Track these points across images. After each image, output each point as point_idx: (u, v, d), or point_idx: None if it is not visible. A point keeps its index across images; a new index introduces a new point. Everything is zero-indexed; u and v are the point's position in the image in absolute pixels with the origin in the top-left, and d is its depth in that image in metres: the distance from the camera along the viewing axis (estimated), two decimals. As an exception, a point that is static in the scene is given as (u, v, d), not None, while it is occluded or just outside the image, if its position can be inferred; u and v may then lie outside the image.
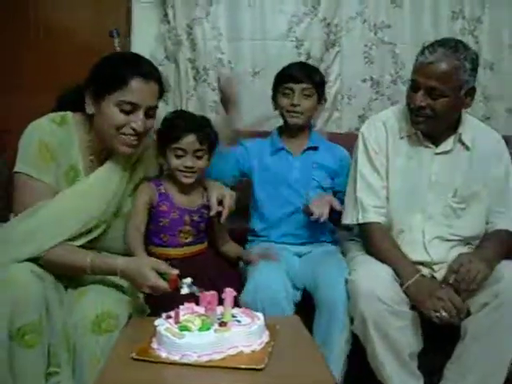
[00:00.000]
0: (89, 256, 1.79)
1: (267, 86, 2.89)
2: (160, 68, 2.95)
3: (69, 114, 1.94)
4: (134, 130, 1.86)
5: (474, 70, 2.02)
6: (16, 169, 1.86)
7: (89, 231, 1.88)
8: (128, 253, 1.97)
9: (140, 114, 1.86)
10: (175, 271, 1.73)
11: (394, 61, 3.15)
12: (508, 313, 1.87)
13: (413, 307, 1.94)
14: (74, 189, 1.89)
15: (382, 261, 2.05)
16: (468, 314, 1.94)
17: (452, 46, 2.00)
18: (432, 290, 1.91)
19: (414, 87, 2.06)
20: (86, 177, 1.93)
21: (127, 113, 1.84)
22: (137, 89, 1.83)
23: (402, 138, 2.18)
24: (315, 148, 2.42)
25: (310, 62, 3.05)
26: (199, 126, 2.06)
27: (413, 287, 1.94)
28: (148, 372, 1.41)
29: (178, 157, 2.04)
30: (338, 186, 2.40)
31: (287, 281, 2.08)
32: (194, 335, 1.45)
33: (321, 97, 2.41)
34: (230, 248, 2.26)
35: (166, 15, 3.04)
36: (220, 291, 1.59)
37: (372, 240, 2.14)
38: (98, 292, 1.80)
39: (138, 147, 1.95)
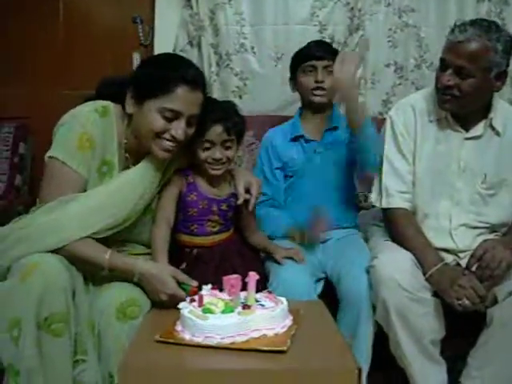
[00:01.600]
0: (108, 253, 1.78)
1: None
2: (182, 53, 3.02)
3: (111, 104, 1.90)
4: (173, 137, 1.83)
5: (507, 52, 1.97)
6: (50, 153, 1.82)
7: (114, 227, 1.85)
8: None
9: (182, 122, 1.82)
10: (195, 283, 1.75)
11: (419, 45, 3.11)
12: (535, 301, 1.84)
13: (435, 294, 1.93)
14: (105, 186, 1.86)
15: (406, 247, 2.03)
16: (495, 301, 1.92)
17: (484, 26, 1.96)
18: (454, 278, 1.89)
19: (442, 66, 2.03)
20: (119, 175, 1.90)
21: (169, 120, 1.81)
22: (182, 97, 1.80)
23: (431, 121, 2.15)
24: (335, 128, 2.38)
25: (334, 46, 3.03)
26: (226, 114, 1.99)
27: (436, 276, 1.93)
28: (171, 354, 1.43)
29: (206, 149, 1.98)
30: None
31: (311, 283, 2.07)
32: (217, 317, 1.47)
33: None
34: (257, 240, 2.21)
35: (188, 0, 3.03)
36: (242, 279, 1.59)
37: (396, 226, 2.12)
38: (122, 282, 1.81)
39: (175, 153, 1.91)
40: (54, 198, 1.78)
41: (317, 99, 2.33)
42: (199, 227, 2.06)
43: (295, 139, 2.38)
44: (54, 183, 1.82)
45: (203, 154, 1.98)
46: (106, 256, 1.77)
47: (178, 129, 1.82)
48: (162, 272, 1.77)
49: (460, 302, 1.85)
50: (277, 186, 2.37)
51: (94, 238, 1.79)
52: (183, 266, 2.02)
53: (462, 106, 2.04)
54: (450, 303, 1.88)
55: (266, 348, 1.42)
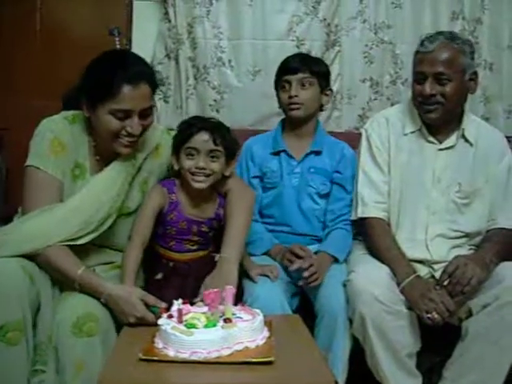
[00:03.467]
0: (81, 269, 1.78)
1: (267, 86, 2.91)
2: (160, 67, 3.04)
3: (81, 113, 1.93)
4: (129, 133, 1.85)
5: (472, 54, 2.10)
6: (27, 163, 1.87)
7: (92, 231, 1.87)
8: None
9: (135, 118, 1.84)
10: (164, 304, 1.73)
11: (394, 61, 3.16)
12: (509, 314, 1.86)
13: (410, 307, 1.94)
14: (79, 192, 1.89)
15: (380, 258, 2.06)
16: (470, 314, 1.95)
17: (448, 34, 2.10)
18: (425, 291, 1.91)
19: (420, 79, 2.09)
20: (91, 178, 1.93)
21: (122, 119, 1.83)
22: (127, 96, 1.81)
23: (405, 134, 2.19)
24: (318, 152, 2.33)
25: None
26: (214, 125, 1.98)
27: (407, 288, 1.95)
28: (156, 371, 1.41)
29: (190, 157, 1.95)
30: (336, 179, 2.31)
31: (285, 299, 2.02)
32: (202, 332, 1.46)
33: (324, 87, 2.33)
34: None
35: (166, 13, 3.05)
36: None
37: (371, 236, 2.15)
38: (83, 295, 1.78)
39: (137, 145, 1.94)
40: (34, 203, 1.82)
41: (292, 114, 2.29)
42: (177, 244, 2.03)
43: (277, 153, 2.35)
44: (32, 189, 1.86)
45: (188, 163, 1.95)
46: (78, 271, 1.77)
47: (133, 125, 1.84)
48: (131, 295, 1.76)
49: (429, 315, 1.87)
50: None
51: (73, 248, 1.81)
52: (159, 276, 2.01)
53: (446, 112, 2.10)
54: (420, 316, 1.90)
55: (254, 360, 1.42)
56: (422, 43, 2.09)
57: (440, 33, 2.11)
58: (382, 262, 2.04)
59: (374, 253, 2.11)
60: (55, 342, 1.71)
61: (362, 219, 2.18)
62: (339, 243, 2.23)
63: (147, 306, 1.75)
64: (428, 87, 2.05)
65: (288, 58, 2.37)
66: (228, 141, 1.98)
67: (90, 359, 1.69)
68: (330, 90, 2.40)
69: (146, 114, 1.88)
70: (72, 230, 1.81)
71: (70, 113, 1.96)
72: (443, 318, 1.87)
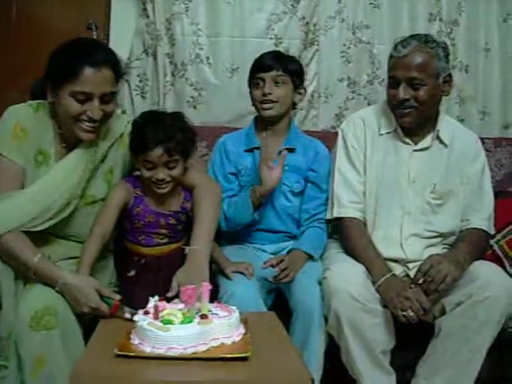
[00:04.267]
0: (37, 257, 1.77)
1: (245, 83, 2.91)
2: (138, 62, 3.01)
3: (46, 102, 1.94)
4: (90, 118, 1.85)
5: (447, 57, 2.11)
6: None
7: (51, 218, 1.87)
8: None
9: (95, 102, 1.84)
10: (118, 297, 1.74)
11: (372, 61, 3.18)
12: (481, 312, 1.89)
13: (385, 305, 1.96)
14: (41, 178, 1.90)
15: (356, 257, 2.07)
16: (443, 312, 1.98)
17: (422, 37, 2.11)
18: (400, 289, 1.93)
19: (393, 83, 2.10)
20: (54, 163, 1.93)
21: (82, 102, 1.83)
22: (88, 78, 1.81)
23: (381, 134, 2.21)
24: (292, 150, 2.31)
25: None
26: (168, 134, 1.90)
27: (383, 286, 1.96)
28: (132, 366, 1.39)
29: (149, 169, 1.93)
30: (310, 178, 2.32)
31: (260, 296, 2.02)
32: (178, 328, 1.45)
33: (297, 85, 2.32)
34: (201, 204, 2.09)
35: (145, 9, 3.03)
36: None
37: (347, 236, 2.16)
38: (43, 287, 1.77)
39: (100, 132, 1.95)
40: None
41: (265, 113, 2.28)
42: (147, 238, 2.03)
43: (250, 150, 2.35)
44: None
45: (147, 173, 1.94)
46: (34, 259, 1.77)
47: (93, 109, 1.84)
48: (86, 284, 1.75)
49: (404, 313, 1.89)
50: (230, 190, 2.31)
51: (39, 241, 1.84)
52: (132, 273, 2.01)
53: (420, 116, 2.11)
54: (395, 314, 1.92)
55: (230, 355, 1.42)
56: (395, 47, 2.10)
57: (413, 36, 2.12)
58: (358, 261, 2.06)
59: (350, 253, 2.12)
60: (14, 337, 1.70)
61: (338, 219, 2.19)
62: (314, 241, 2.25)
63: (101, 296, 1.75)
64: (401, 92, 2.07)
65: (262, 55, 2.37)
66: (183, 144, 1.94)
67: (50, 353, 1.68)
68: (304, 88, 2.39)
69: (108, 99, 1.87)
70: (30, 216, 1.81)
71: (35, 101, 1.96)
72: (418, 316, 1.89)
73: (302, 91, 2.36)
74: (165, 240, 2.05)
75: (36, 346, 1.67)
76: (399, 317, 1.90)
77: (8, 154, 1.86)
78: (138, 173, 2.04)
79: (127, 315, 1.69)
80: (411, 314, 1.89)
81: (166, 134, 1.90)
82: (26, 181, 1.89)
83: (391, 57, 2.12)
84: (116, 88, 1.91)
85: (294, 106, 2.40)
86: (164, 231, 2.03)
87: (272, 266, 2.07)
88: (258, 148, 2.32)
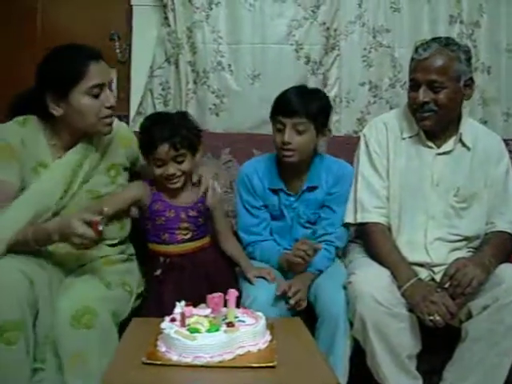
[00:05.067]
0: (30, 229, 1.83)
1: (266, 90, 2.95)
2: (160, 71, 3.06)
3: (32, 116, 1.99)
4: (110, 107, 1.93)
5: (469, 60, 2.09)
6: None
7: (55, 213, 1.94)
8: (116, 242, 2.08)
9: (107, 90, 1.93)
10: (97, 217, 1.75)
11: (393, 64, 3.17)
12: (508, 315, 1.87)
13: (411, 309, 1.95)
14: (35, 182, 1.94)
15: (381, 262, 2.07)
16: (469, 316, 1.96)
17: (443, 40, 2.09)
18: (427, 293, 1.92)
19: (414, 86, 2.10)
20: (52, 163, 1.98)
21: (97, 96, 1.91)
22: (95, 71, 1.89)
23: (403, 138, 2.20)
24: (314, 188, 2.26)
25: (309, 65, 3.10)
26: (172, 132, 2.00)
27: (409, 291, 1.95)
28: (160, 374, 1.42)
29: (159, 166, 2.03)
30: (326, 202, 2.27)
31: (283, 302, 2.03)
32: (204, 336, 1.46)
33: (320, 129, 2.19)
34: (231, 250, 2.23)
35: (166, 18, 3.05)
36: (215, 290, 1.60)
37: (371, 241, 2.16)
38: (82, 289, 1.83)
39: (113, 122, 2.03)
40: None
41: (285, 160, 2.18)
42: (170, 235, 2.08)
43: (274, 190, 2.28)
44: None
45: (158, 171, 2.04)
46: (29, 233, 1.82)
47: (109, 97, 1.94)
48: (69, 219, 1.78)
49: (431, 317, 1.88)
50: (255, 225, 2.29)
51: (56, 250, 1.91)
52: (158, 272, 2.06)
53: (440, 119, 2.10)
54: (421, 318, 1.91)
55: (256, 364, 1.43)
56: (416, 50, 2.10)
57: (434, 39, 2.12)
58: (383, 265, 2.05)
59: (375, 257, 2.12)
60: (54, 336, 1.74)
61: (362, 224, 2.19)
62: (319, 262, 2.18)
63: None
64: (421, 95, 2.06)
65: (285, 94, 2.21)
66: (188, 139, 2.05)
67: (89, 351, 1.73)
68: (329, 130, 2.27)
69: (111, 87, 2.00)
70: (26, 220, 1.85)
71: (22, 117, 1.99)
72: (445, 321, 1.88)
73: (326, 133, 2.24)
74: (188, 235, 2.10)
75: (76, 344, 1.72)
76: (426, 321, 1.89)
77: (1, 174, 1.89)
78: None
79: (101, 228, 1.73)
80: (438, 318, 1.87)
81: (170, 131, 2.01)
82: None
83: (412, 59, 2.12)
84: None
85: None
86: (186, 225, 2.09)
87: (285, 293, 2.02)
88: (281, 189, 2.28)
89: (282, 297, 2.03)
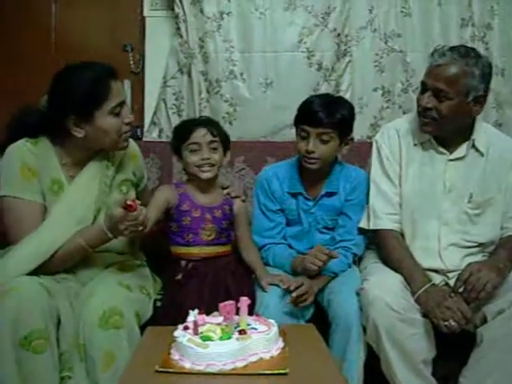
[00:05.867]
0: (77, 236, 1.89)
1: (279, 97, 2.95)
2: (173, 81, 3.09)
3: (43, 136, 1.99)
4: (129, 123, 1.98)
5: (485, 77, 2.02)
6: (1, 193, 1.93)
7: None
8: (125, 250, 2.11)
9: (125, 107, 1.98)
10: (129, 198, 1.78)
11: (405, 69, 3.16)
12: (524, 319, 1.86)
13: (425, 315, 1.95)
14: (60, 203, 1.96)
15: (395, 269, 2.07)
16: (484, 320, 1.95)
17: (462, 51, 2.03)
18: (441, 299, 1.91)
19: (422, 89, 2.09)
20: (69, 185, 2.00)
21: (119, 114, 1.94)
22: (116, 90, 1.93)
23: (415, 144, 2.19)
24: (333, 193, 2.28)
25: (322, 72, 3.10)
26: (208, 120, 2.21)
27: (423, 296, 1.95)
28: (173, 382, 1.43)
29: (194, 152, 2.12)
30: (343, 209, 2.29)
31: (296, 309, 2.04)
32: (217, 344, 1.47)
33: (344, 138, 2.20)
34: (250, 257, 2.25)
35: (178, 29, 3.08)
36: (232, 298, 1.61)
37: (385, 247, 2.16)
38: (105, 292, 1.86)
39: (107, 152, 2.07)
40: (19, 231, 1.89)
41: (307, 166, 2.20)
42: (194, 236, 2.13)
43: (294, 194, 2.30)
44: (13, 219, 1.92)
45: (192, 158, 2.13)
46: (80, 242, 1.88)
47: (128, 113, 1.99)
48: (109, 210, 1.83)
49: (446, 323, 1.87)
50: (270, 229, 2.31)
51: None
52: (179, 276, 2.09)
53: (440, 129, 2.09)
54: (437, 324, 1.90)
55: (269, 372, 1.44)
56: (432, 54, 2.07)
57: (454, 48, 2.05)
58: (396, 271, 2.05)
59: (388, 263, 2.12)
60: (83, 339, 1.78)
61: (375, 231, 2.19)
62: (334, 266, 2.17)
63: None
64: (425, 99, 2.05)
65: (310, 103, 2.19)
66: (222, 132, 2.21)
67: (118, 351, 1.77)
68: (351, 139, 2.26)
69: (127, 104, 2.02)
70: (63, 238, 1.89)
71: (31, 138, 1.98)
72: (460, 326, 1.87)
73: (349, 142, 2.25)
74: (211, 237, 2.15)
75: (106, 343, 1.76)
76: (441, 327, 1.88)
77: (24, 195, 1.91)
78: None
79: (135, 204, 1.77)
80: (453, 323, 1.87)
81: (207, 119, 2.25)
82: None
83: (428, 63, 2.09)
84: None
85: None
86: (210, 225, 2.15)
87: (290, 290, 2.01)
88: (300, 193, 2.30)
89: (295, 303, 2.04)
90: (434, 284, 2.00)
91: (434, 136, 2.15)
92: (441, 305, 1.90)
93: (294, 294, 2.00)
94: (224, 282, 2.09)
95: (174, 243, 2.19)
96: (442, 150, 2.16)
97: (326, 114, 2.13)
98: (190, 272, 2.11)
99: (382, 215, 2.17)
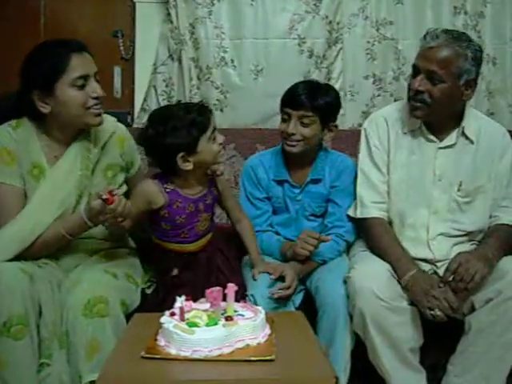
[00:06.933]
0: (57, 223, 1.90)
1: (270, 84, 2.93)
2: (163, 68, 3.06)
3: (24, 118, 2.00)
4: (96, 97, 1.94)
5: (476, 61, 2.02)
6: None
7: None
8: (108, 237, 2.09)
9: (92, 82, 1.94)
10: (105, 191, 1.77)
11: (397, 57, 3.15)
12: (511, 308, 1.87)
13: (412, 303, 1.95)
14: (41, 187, 1.96)
15: (382, 256, 2.06)
16: (472, 309, 1.95)
17: (455, 34, 2.03)
18: (428, 287, 1.91)
19: (414, 72, 2.07)
20: (50, 169, 1.99)
21: (82, 87, 1.91)
22: (78, 63, 1.90)
23: (404, 133, 2.18)
24: (318, 180, 2.28)
25: (313, 59, 3.09)
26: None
27: (410, 283, 1.95)
28: (158, 368, 1.43)
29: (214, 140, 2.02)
30: (330, 196, 2.28)
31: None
32: (203, 330, 1.47)
33: (327, 124, 2.21)
34: (244, 235, 2.20)
35: (168, 15, 3.06)
36: (222, 285, 1.59)
37: (372, 236, 2.15)
38: (91, 280, 1.85)
39: (89, 134, 2.05)
40: (2, 214, 1.90)
41: (287, 149, 2.22)
42: (189, 232, 2.06)
43: (279, 181, 2.31)
44: None
45: (214, 147, 2.00)
46: (61, 230, 1.89)
47: (95, 88, 1.94)
48: (91, 200, 1.83)
49: (432, 312, 1.88)
50: (258, 216, 2.31)
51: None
52: (175, 271, 2.06)
53: (431, 113, 2.07)
54: (423, 313, 1.90)
55: (255, 358, 1.44)
56: (425, 37, 2.05)
57: (446, 30, 2.04)
58: (383, 259, 2.04)
59: (375, 251, 2.11)
60: (66, 327, 1.78)
61: (362, 219, 2.18)
62: (326, 251, 2.18)
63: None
64: (417, 82, 2.02)
65: (295, 87, 2.23)
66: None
67: (103, 339, 1.76)
68: (335, 126, 2.26)
69: (98, 79, 1.97)
70: (48, 220, 1.90)
71: (13, 120, 2.00)
72: (446, 315, 1.88)
73: (332, 128, 2.24)
74: (206, 226, 2.09)
75: (90, 331, 1.75)
76: (427, 316, 1.89)
77: (5, 179, 1.92)
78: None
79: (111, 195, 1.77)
80: (439, 313, 1.87)
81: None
82: (29, 197, 1.95)
83: (420, 45, 2.08)
84: None
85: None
86: (205, 215, 2.08)
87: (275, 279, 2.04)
88: (286, 181, 2.30)
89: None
90: (419, 269, 2.00)
91: (425, 123, 2.14)
92: (428, 293, 1.90)
93: (275, 296, 2.00)
94: (217, 270, 2.09)
95: (165, 240, 2.09)
96: (432, 137, 2.14)
97: (308, 98, 2.15)
98: (184, 265, 2.07)
99: (368, 204, 2.16)
